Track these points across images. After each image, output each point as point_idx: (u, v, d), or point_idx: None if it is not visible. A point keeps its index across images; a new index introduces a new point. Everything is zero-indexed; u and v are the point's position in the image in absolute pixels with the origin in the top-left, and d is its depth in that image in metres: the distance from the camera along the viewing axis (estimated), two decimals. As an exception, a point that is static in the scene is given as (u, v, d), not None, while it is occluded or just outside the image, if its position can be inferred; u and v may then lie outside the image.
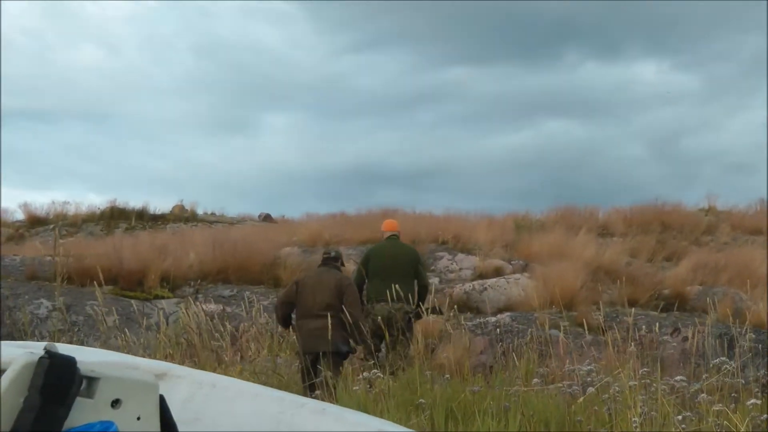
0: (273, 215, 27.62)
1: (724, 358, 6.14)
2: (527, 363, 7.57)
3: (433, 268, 15.34)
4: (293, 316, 8.01)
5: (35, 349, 1.27)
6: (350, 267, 9.99)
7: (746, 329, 8.29)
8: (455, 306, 9.65)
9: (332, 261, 8.19)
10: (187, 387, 1.62)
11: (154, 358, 6.82)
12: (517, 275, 14.13)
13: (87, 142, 57.91)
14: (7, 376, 1.20)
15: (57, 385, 1.22)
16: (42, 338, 9.58)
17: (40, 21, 61.78)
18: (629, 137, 60.34)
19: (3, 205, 24.54)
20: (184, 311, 9.83)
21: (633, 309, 9.28)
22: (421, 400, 5.74)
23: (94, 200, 52.85)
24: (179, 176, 52.90)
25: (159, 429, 1.34)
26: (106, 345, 8.39)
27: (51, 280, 11.81)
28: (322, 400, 5.41)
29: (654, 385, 5.62)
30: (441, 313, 9.12)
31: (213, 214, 27.05)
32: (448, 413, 5.73)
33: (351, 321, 7.43)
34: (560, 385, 6.34)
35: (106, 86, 62.52)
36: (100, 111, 62.51)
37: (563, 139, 59.12)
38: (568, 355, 7.88)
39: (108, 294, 11.32)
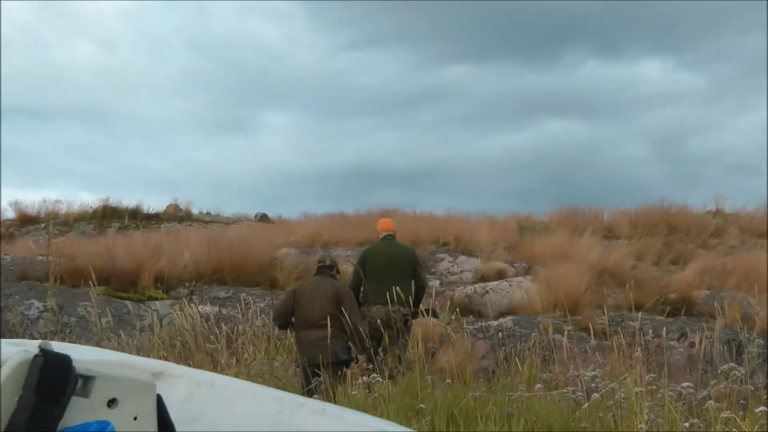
0: (270, 215, 27.62)
1: (732, 365, 6.12)
2: (530, 368, 7.57)
3: (433, 270, 15.34)
4: (293, 320, 8.03)
5: (29, 347, 1.26)
6: (348, 269, 9.96)
7: (755, 335, 8.29)
8: (457, 309, 9.63)
9: (327, 270, 8.21)
10: (185, 386, 1.62)
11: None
12: (520, 278, 14.12)
13: (81, 140, 57.99)
14: (0, 375, 1.19)
15: (52, 383, 1.21)
16: (34, 339, 9.56)
17: (34, 18, 61.86)
18: (632, 137, 60.45)
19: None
20: (179, 313, 9.82)
21: (639, 313, 9.26)
22: (421, 405, 5.73)
23: (87, 199, 52.84)
24: (174, 175, 52.96)
25: (156, 429, 1.34)
26: (99, 347, 8.38)
27: (42, 280, 11.80)
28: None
29: (660, 391, 5.62)
30: (436, 315, 9.10)
31: (208, 213, 27.04)
32: (449, 419, 5.72)
33: (351, 328, 7.44)
34: (564, 390, 6.33)
35: (102, 84, 62.61)
36: (94, 109, 62.65)
37: (565, 139, 59.21)
38: (572, 360, 7.88)
39: (100, 295, 11.30)
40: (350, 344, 7.64)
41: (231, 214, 27.51)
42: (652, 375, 6.09)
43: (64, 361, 1.24)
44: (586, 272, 13.30)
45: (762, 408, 5.01)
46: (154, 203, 28.24)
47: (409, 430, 1.73)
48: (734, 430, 4.92)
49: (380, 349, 8.07)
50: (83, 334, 10.38)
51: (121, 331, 9.46)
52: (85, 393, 1.26)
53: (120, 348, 8.74)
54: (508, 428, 5.50)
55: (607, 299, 12.38)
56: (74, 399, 1.24)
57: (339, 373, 7.33)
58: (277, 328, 8.81)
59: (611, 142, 60.22)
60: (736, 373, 5.99)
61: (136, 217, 24.60)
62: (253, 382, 7.13)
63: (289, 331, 8.32)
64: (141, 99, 63.01)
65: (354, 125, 66.74)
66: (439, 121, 63.63)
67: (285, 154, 60.89)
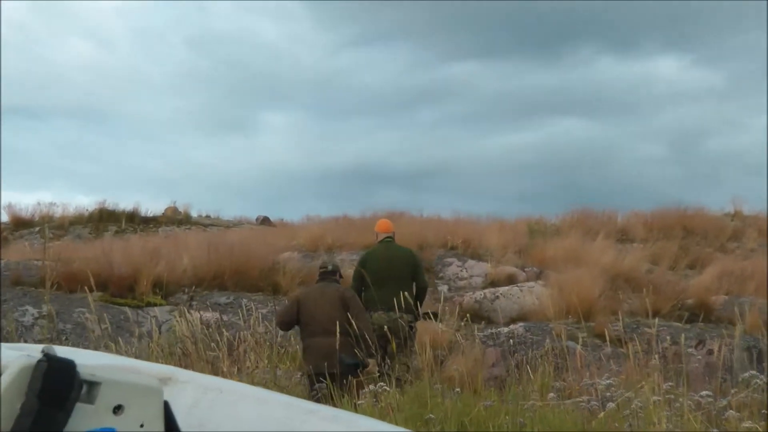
0: (271, 218, 27.64)
1: (753, 372, 6.09)
2: (543, 376, 7.56)
3: (441, 275, 15.34)
4: (299, 328, 8.04)
5: (32, 352, 1.26)
6: (349, 273, 9.97)
7: (776, 341, 8.27)
8: (467, 315, 9.62)
9: (331, 275, 8.20)
10: (193, 392, 1.61)
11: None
12: (531, 283, 14.12)
13: (76, 140, 58.00)
14: (3, 380, 1.19)
15: (56, 389, 1.21)
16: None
17: (28, 15, 62.04)
18: (647, 136, 60.33)
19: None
20: (178, 319, 9.82)
21: (655, 319, 9.24)
22: (430, 415, 5.72)
23: (82, 201, 52.94)
24: (172, 177, 52.99)
25: None
26: (95, 354, 8.38)
27: (37, 286, 11.82)
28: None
29: (679, 400, 5.60)
30: (437, 318, 9.10)
31: (208, 216, 27.07)
32: (459, 429, 5.71)
33: (359, 334, 7.42)
34: (578, 400, 6.31)
35: (98, 83, 62.73)
36: (90, 108, 62.70)
37: (577, 139, 59.13)
38: (586, 368, 7.86)
39: (97, 301, 11.31)
40: (356, 350, 7.63)
41: (231, 217, 27.56)
42: (669, 384, 6.07)
43: (68, 366, 1.23)
44: (599, 277, 13.30)
45: (785, 417, 4.99)
46: (152, 206, 28.29)
47: None
48: (756, 440, 4.90)
49: (386, 357, 8.08)
50: (79, 342, 10.38)
51: (119, 339, 9.46)
52: (89, 399, 1.26)
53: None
54: (520, 438, 5.48)
55: (621, 305, 12.39)
56: (79, 405, 1.23)
57: (345, 381, 7.32)
58: (279, 334, 8.82)
59: (625, 141, 60.12)
60: (758, 381, 5.96)
61: (134, 220, 24.63)
62: (256, 390, 7.14)
63: (292, 338, 8.33)
64: (138, 98, 63.11)
65: (355, 125, 66.78)
66: (442, 121, 63.64)
67: (285, 154, 60.95)
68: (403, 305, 7.97)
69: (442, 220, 20.75)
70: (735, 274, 14.74)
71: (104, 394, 1.27)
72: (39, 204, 25.24)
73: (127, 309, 11.09)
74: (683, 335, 7.68)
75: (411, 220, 19.60)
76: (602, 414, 5.82)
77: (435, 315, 8.94)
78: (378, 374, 7.53)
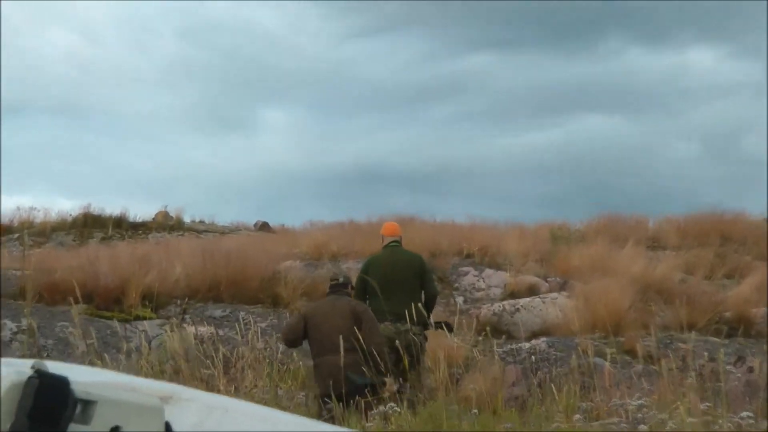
0: (271, 224, 27.66)
1: (798, 391, 6.08)
2: (568, 396, 7.53)
3: (456, 285, 15.34)
4: (309, 346, 8.04)
5: (21, 367, 1.26)
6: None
7: (823, 358, 8.23)
8: (487, 329, 9.61)
9: (342, 288, 8.18)
10: (196, 412, 1.61)
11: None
12: (555, 294, 14.10)
13: (57, 139, 58.21)
14: (-9, 399, 1.19)
15: (48, 408, 1.21)
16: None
17: (4, 3, 62.16)
18: (680, 135, 60.31)
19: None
20: (170, 334, 9.82)
21: (690, 334, 9.22)
22: (446, 438, 5.71)
23: (65, 206, 53.05)
24: (163, 179, 53.10)
25: None
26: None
27: (15, 297, 11.82)
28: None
29: (717, 422, 5.59)
30: (450, 330, 9.06)
31: (202, 222, 27.11)
32: (477, 453, 5.70)
33: (375, 351, 7.39)
34: (607, 422, 6.30)
35: (81, 76, 62.88)
36: (72, 104, 62.93)
37: (604, 137, 59.12)
38: (615, 387, 7.84)
39: (81, 314, 11.31)
40: (365, 368, 7.60)
41: (228, 223, 27.61)
42: (706, 404, 6.06)
43: (61, 383, 1.23)
44: (629, 287, 13.26)
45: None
46: (141, 210, 28.33)
47: None
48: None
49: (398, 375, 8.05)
50: (62, 358, 10.40)
51: (105, 355, 9.47)
52: (84, 419, 1.26)
53: (104, 373, 8.75)
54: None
55: (653, 318, 12.35)
56: (72, 426, 1.23)
57: (352, 401, 7.30)
58: (280, 350, 8.82)
59: (656, 140, 60.06)
60: (803, 401, 5.95)
61: (121, 226, 24.67)
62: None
63: (294, 354, 8.32)
64: (126, 94, 63.38)
65: (362, 122, 66.92)
66: (457, 118, 63.73)
67: (286, 154, 61.12)
68: (412, 315, 7.93)
69: (456, 226, 20.73)
70: (777, 285, 14.67)
71: (100, 414, 1.27)
72: (18, 209, 25.29)
73: (113, 323, 11.08)
74: (721, 351, 7.65)
75: (422, 225, 19.59)
76: (634, 437, 5.81)
77: (448, 326, 8.90)
78: (390, 393, 7.51)
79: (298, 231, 23.81)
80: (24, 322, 10.45)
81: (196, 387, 8.44)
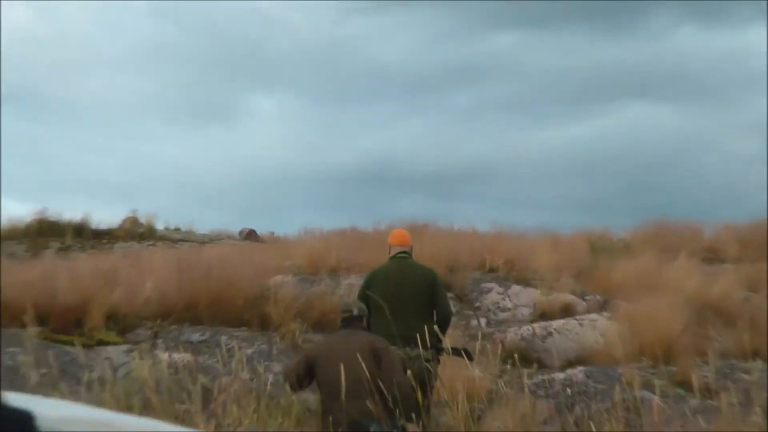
0: (259, 231, 27.73)
1: None
2: (610, 436, 7.51)
3: (478, 304, 15.31)
4: (319, 390, 7.99)
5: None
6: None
7: None
8: (515, 356, 9.54)
9: (357, 321, 8.09)
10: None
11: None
12: (594, 315, 14.09)
13: (5, 130, 58.30)
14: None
15: None
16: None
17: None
18: (741, 128, 60.23)
19: None
20: (139, 362, 9.80)
21: (755, 362, 9.18)
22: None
23: (16, 210, 53.19)
24: (132, 179, 53.20)
25: None
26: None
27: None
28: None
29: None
30: (471, 358, 9.00)
31: (177, 229, 27.19)
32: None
33: (399, 395, 7.32)
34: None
35: (36, 58, 63.04)
36: (23, 90, 62.98)
37: (651, 129, 59.11)
38: (666, 424, 7.81)
39: (35, 338, 11.30)
40: (381, 414, 7.54)
41: (208, 231, 27.69)
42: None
43: (25, 417, 1.22)
44: (682, 307, 13.24)
45: None
46: (106, 216, 28.41)
47: None
48: None
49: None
50: (11, 391, 10.36)
51: (63, 386, 9.44)
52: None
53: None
54: None
55: (711, 344, 12.31)
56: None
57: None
58: (269, 381, 8.77)
59: (713, 134, 60.11)
60: None
61: (82, 234, 24.73)
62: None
63: (293, 389, 8.26)
64: (88, 78, 63.50)
65: (369, 113, 67.03)
66: (480, 108, 63.85)
67: (278, 150, 61.24)
68: (416, 337, 7.87)
69: (478, 235, 20.74)
70: None
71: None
72: (-41, 214, 25.38)
73: (73, 348, 11.07)
74: (792, 383, 7.61)
75: (438, 233, 19.59)
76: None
77: (468, 353, 8.84)
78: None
79: (290, 240, 23.86)
80: (-33, 348, 10.42)
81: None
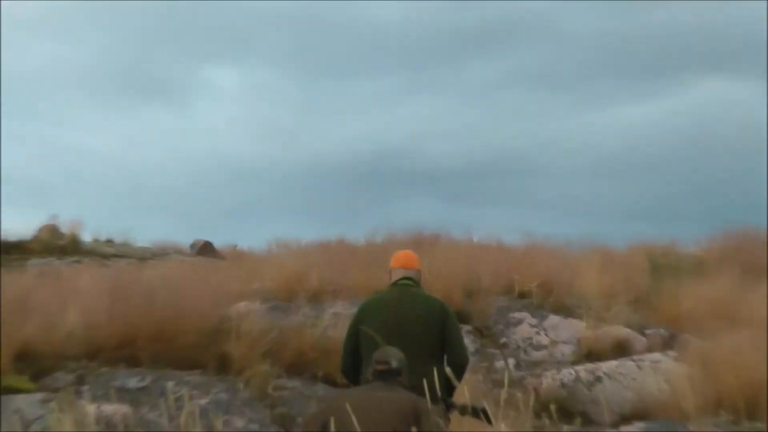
0: (217, 244, 27.77)
1: None
2: None
3: (504, 339, 15.33)
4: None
5: None
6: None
7: None
8: (550, 409, 9.54)
9: (394, 376, 7.99)
10: None
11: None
12: (657, 355, 14.12)
13: None
14: None
15: None
16: None
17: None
18: None
19: None
20: (58, 414, 9.81)
21: None
22: None
23: None
24: (49, 176, 53.24)
25: None
26: None
27: None
28: None
29: None
30: (489, 420, 8.97)
31: (110, 242, 27.22)
32: None
33: None
34: None
35: None
36: None
37: (732, 112, 59.09)
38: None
39: None
40: None
41: (150, 244, 27.70)
42: None
43: None
44: (771, 345, 13.24)
45: None
46: (16, 224, 28.42)
47: None
48: None
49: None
50: None
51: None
52: None
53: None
54: None
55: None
56: None
57: None
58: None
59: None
60: None
61: (-17, 247, 24.75)
62: None
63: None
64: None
65: (361, 90, 67.05)
66: (507, 84, 63.86)
67: (243, 139, 61.24)
68: (422, 387, 7.82)
69: (504, 249, 20.78)
70: None
71: None
72: None
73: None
74: None
75: (452, 247, 19.61)
76: None
77: (486, 414, 8.81)
78: None
79: (258, 256, 23.88)
80: None
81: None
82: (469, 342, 14.13)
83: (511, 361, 14.20)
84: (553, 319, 15.90)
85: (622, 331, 15.20)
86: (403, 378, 7.83)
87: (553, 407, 10.15)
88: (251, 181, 52.69)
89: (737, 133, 55.88)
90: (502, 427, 9.65)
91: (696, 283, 17.15)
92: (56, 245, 25.62)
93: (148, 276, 17.93)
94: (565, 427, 10.24)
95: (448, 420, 8.67)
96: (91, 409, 10.11)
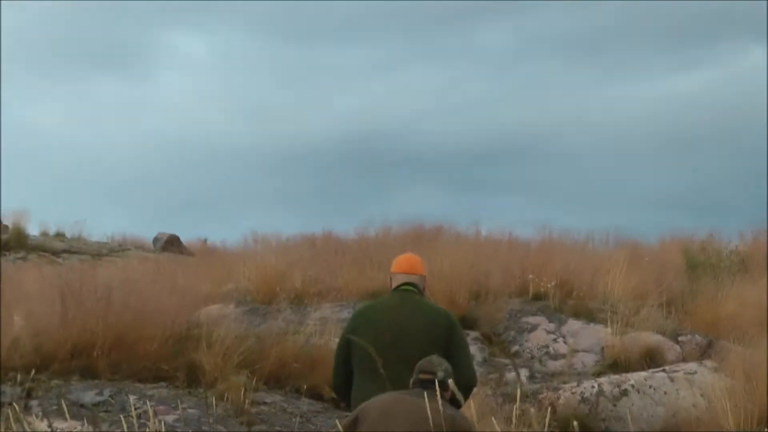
0: (184, 239, 27.81)
1: None
2: None
3: (516, 348, 15.39)
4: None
5: None
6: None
7: None
8: (572, 426, 9.63)
9: (437, 387, 7.97)
10: None
11: None
12: (692, 365, 14.16)
13: None
14: None
15: None
16: None
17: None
18: None
19: None
20: (4, 434, 9.89)
21: None
22: None
23: None
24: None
25: None
26: None
27: None
28: None
29: None
30: None
31: (61, 236, 27.21)
32: None
33: None
34: None
35: None
36: None
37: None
38: None
39: None
40: None
41: (107, 238, 27.71)
42: None
43: None
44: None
45: None
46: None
47: None
48: None
49: None
50: None
51: None
52: None
53: None
54: None
55: None
56: None
57: None
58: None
59: None
60: None
61: None
62: None
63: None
64: None
65: (353, 58, 67.07)
66: (524, 52, 63.85)
67: (214, 116, 61.23)
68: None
69: (517, 244, 20.84)
70: None
71: None
72: None
73: None
74: None
75: (457, 242, 19.66)
76: None
77: None
78: None
79: (233, 252, 23.94)
80: None
81: None
82: (476, 350, 14.13)
83: (524, 373, 14.28)
84: (573, 324, 15.96)
85: (652, 338, 15.25)
86: (448, 393, 7.85)
87: (574, 424, 10.26)
88: (224, 164, 52.71)
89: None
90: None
91: (738, 283, 17.19)
92: (-1, 241, 25.70)
93: (104, 276, 17.96)
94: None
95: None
96: (42, 426, 10.19)
